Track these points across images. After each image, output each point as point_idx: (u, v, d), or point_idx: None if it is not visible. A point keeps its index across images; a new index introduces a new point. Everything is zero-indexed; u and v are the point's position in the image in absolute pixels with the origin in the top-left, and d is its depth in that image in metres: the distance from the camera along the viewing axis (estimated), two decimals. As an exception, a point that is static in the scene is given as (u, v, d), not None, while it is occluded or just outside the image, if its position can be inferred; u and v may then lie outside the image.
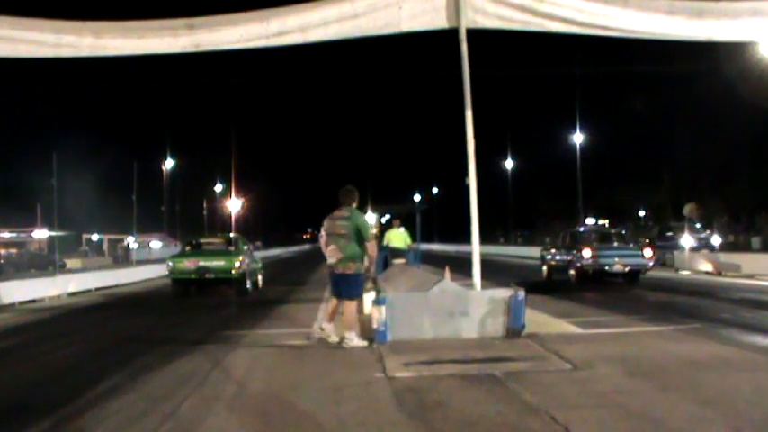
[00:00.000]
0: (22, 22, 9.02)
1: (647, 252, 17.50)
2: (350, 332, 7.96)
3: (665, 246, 26.66)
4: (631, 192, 56.93)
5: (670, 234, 29.65)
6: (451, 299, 8.65)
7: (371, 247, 8.11)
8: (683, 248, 24.98)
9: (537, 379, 5.99)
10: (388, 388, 5.78)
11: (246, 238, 22.58)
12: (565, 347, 7.39)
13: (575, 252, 17.50)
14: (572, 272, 17.56)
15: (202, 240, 19.51)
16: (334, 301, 8.33)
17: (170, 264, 17.12)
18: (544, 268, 20.12)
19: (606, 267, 16.92)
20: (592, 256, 16.89)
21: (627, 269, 16.95)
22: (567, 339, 8.14)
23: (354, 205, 8.23)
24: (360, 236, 8.00)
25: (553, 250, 19.78)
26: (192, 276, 16.73)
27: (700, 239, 28.90)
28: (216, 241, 19.10)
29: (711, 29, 9.38)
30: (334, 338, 8.07)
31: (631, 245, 19.25)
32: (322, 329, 8.23)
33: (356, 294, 8.33)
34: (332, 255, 8.07)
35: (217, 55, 9.54)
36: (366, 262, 8.13)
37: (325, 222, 8.27)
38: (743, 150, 43.06)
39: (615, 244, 18.38)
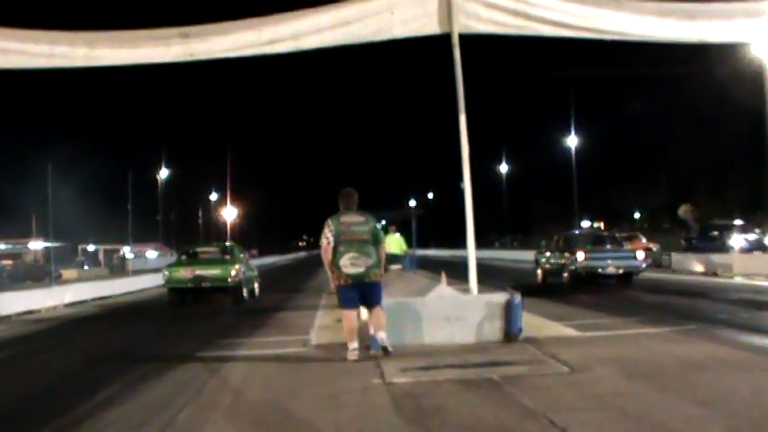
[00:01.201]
0: (16, 33, 8.99)
1: (640, 254, 17.61)
2: (382, 332, 7.47)
3: (707, 248, 23.87)
4: (627, 194, 57.03)
5: (715, 234, 26.06)
6: (448, 304, 8.64)
7: (383, 249, 7.75)
8: (731, 250, 22.96)
9: (535, 382, 5.98)
10: (386, 394, 5.77)
11: (242, 246, 22.60)
12: (562, 350, 7.39)
13: (568, 255, 17.56)
14: (566, 275, 17.61)
15: (198, 249, 19.46)
16: (355, 314, 7.64)
17: (166, 273, 17.05)
18: (539, 272, 20.14)
19: (599, 270, 17.01)
20: (585, 259, 16.96)
21: (620, 271, 17.05)
22: (564, 342, 8.14)
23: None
24: (374, 239, 7.62)
25: (547, 253, 19.81)
26: (189, 285, 16.67)
27: (751, 241, 25.26)
28: (212, 250, 19.03)
29: (703, 30, 9.41)
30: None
31: (625, 246, 19.31)
32: (355, 351, 7.40)
33: (381, 298, 7.78)
34: (357, 263, 7.39)
35: (211, 63, 9.53)
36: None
37: (335, 226, 7.44)
38: (739, 151, 43.18)
39: (608, 246, 18.44)
